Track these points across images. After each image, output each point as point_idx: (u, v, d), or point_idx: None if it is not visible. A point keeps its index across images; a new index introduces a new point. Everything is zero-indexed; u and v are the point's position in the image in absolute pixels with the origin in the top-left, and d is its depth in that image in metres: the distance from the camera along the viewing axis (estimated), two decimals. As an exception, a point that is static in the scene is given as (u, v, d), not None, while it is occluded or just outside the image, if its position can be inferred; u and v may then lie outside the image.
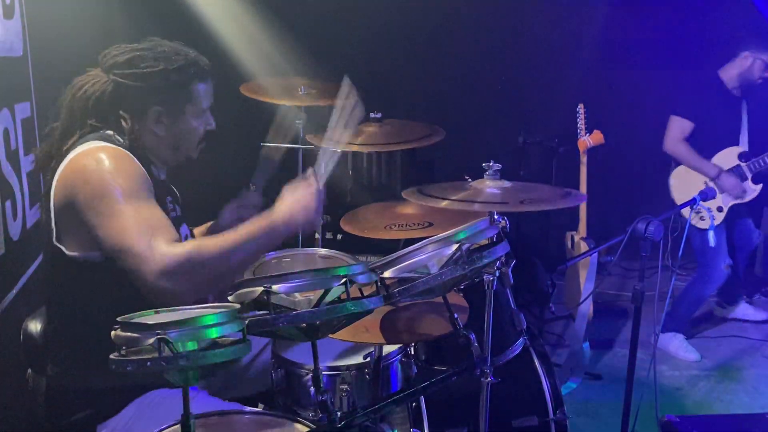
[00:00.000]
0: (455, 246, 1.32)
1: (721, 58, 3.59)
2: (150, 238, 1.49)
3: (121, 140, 1.67)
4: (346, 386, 1.84)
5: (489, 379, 1.70)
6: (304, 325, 1.25)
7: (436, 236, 1.37)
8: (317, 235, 2.91)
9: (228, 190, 2.23)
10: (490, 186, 1.78)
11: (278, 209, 1.62)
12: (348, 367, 1.89)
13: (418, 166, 3.59)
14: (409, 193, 1.87)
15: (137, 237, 1.49)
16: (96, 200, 1.53)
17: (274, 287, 1.19)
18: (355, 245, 2.72)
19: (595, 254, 3.26)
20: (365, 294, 1.34)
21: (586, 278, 3.24)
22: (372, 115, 2.71)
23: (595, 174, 3.39)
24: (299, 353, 1.96)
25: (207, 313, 1.13)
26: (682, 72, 4.61)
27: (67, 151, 1.64)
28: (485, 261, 1.36)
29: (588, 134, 3.34)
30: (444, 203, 1.68)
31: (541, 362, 2.32)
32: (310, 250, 2.72)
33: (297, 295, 1.25)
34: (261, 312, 1.19)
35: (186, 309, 1.22)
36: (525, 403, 2.26)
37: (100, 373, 1.24)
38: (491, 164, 1.83)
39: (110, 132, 1.68)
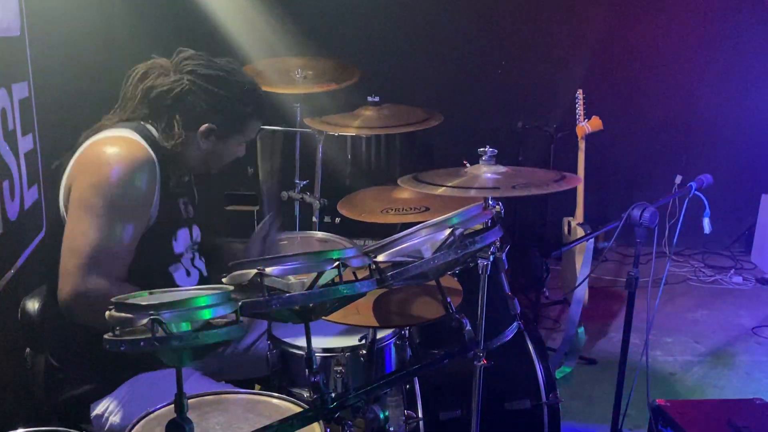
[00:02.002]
0: (448, 231, 1.33)
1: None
2: (92, 263, 1.52)
3: (157, 136, 1.69)
4: (340, 368, 1.85)
5: (482, 362, 1.72)
6: (297, 307, 1.26)
7: (430, 221, 1.38)
8: (314, 219, 2.92)
9: (223, 179, 2.25)
10: (485, 171, 1.78)
11: None
12: (342, 349, 1.91)
13: (417, 151, 3.59)
14: (405, 180, 1.88)
15: (83, 254, 1.53)
16: (84, 197, 1.56)
17: (268, 269, 1.20)
18: (352, 229, 2.74)
19: (591, 240, 3.27)
20: (358, 277, 1.35)
21: (581, 264, 3.25)
22: (370, 98, 2.71)
23: (593, 160, 3.40)
24: (295, 334, 1.98)
25: (200, 294, 1.14)
26: (682, 59, 4.64)
27: (99, 129, 1.66)
28: (478, 246, 1.37)
29: (587, 120, 3.33)
30: (440, 190, 1.68)
31: (534, 346, 2.34)
32: (307, 233, 2.76)
33: (290, 277, 1.26)
34: (255, 294, 1.20)
35: (180, 290, 1.23)
36: (518, 386, 2.28)
37: (96, 351, 1.26)
38: (487, 149, 1.83)
39: (151, 127, 1.70)
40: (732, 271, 4.55)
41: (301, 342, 1.95)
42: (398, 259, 1.36)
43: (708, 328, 3.78)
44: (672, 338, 3.67)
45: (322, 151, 2.84)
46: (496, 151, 1.83)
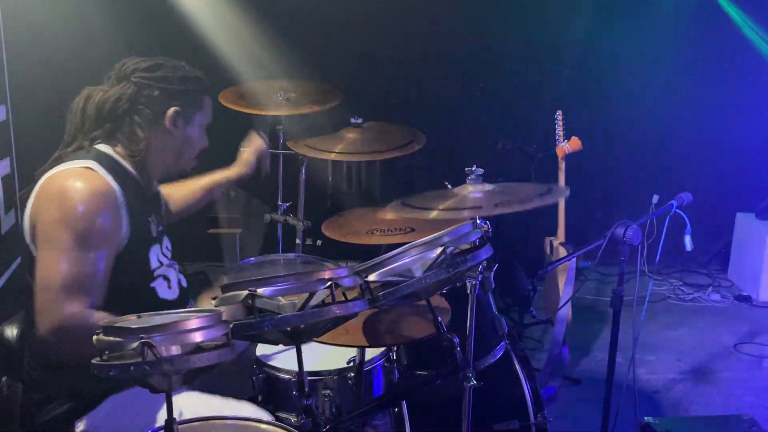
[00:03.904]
0: (439, 249, 1.33)
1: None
2: (66, 296, 1.51)
3: (120, 154, 1.72)
4: (328, 391, 1.83)
5: (472, 383, 1.71)
6: (289, 329, 1.25)
7: (420, 240, 1.38)
8: (298, 241, 2.90)
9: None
10: (472, 191, 1.79)
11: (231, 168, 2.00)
12: (330, 372, 1.88)
13: (398, 172, 3.60)
14: (394, 206, 1.88)
15: (57, 289, 1.52)
16: (50, 234, 1.56)
17: (259, 290, 1.19)
18: (335, 251, 2.72)
19: (574, 259, 3.29)
20: (349, 297, 1.34)
21: (564, 283, 3.27)
22: (353, 120, 2.71)
23: (572, 180, 3.43)
24: (280, 357, 1.95)
25: (191, 317, 1.12)
26: (659, 79, 4.74)
27: (57, 161, 1.66)
28: (469, 264, 1.38)
29: (566, 140, 3.37)
30: (433, 214, 1.68)
31: (521, 366, 2.33)
32: (290, 255, 2.73)
33: (281, 298, 1.25)
34: (246, 316, 1.18)
35: (169, 313, 1.21)
36: (506, 407, 2.26)
37: (77, 372, 1.23)
38: (474, 169, 1.83)
39: (109, 149, 1.71)
40: (710, 289, 4.61)
41: (287, 365, 1.92)
42: (389, 278, 1.36)
43: (689, 345, 3.81)
44: (654, 356, 3.69)
45: (304, 173, 2.83)
46: (482, 170, 1.84)
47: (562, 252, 3.35)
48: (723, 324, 4.12)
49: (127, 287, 1.66)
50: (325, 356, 1.99)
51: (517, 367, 2.32)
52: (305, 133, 2.68)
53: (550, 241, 3.46)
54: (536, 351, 3.71)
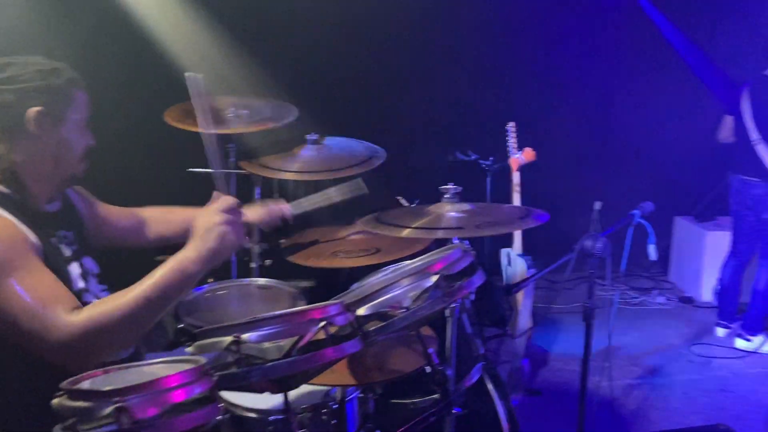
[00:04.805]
0: (434, 278, 1.24)
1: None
2: (44, 313, 1.34)
3: None
4: (304, 430, 1.70)
5: (456, 410, 1.63)
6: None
7: (410, 268, 1.29)
8: (253, 264, 2.75)
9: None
10: (449, 210, 1.71)
11: (188, 250, 1.43)
12: (304, 409, 1.75)
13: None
14: (367, 221, 1.77)
15: (29, 316, 1.34)
16: None
17: (244, 336, 1.06)
18: (289, 271, 2.59)
19: (532, 271, 3.28)
20: (334, 335, 1.23)
21: (524, 295, 3.25)
22: (308, 137, 2.60)
23: (527, 190, 3.43)
24: (250, 396, 1.81)
25: (170, 372, 0.98)
26: (598, 90, 4.86)
27: None
28: (464, 293, 1.29)
29: (520, 152, 3.37)
30: (405, 232, 1.59)
31: (495, 386, 2.27)
32: (245, 280, 2.58)
33: (266, 342, 1.12)
34: (231, 367, 1.05)
35: (141, 366, 1.06)
36: (482, 428, 2.20)
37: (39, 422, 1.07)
38: (450, 187, 1.76)
39: None
40: (655, 292, 4.72)
41: (257, 403, 1.78)
42: (379, 310, 1.26)
43: (642, 349, 3.87)
44: (609, 363, 3.72)
45: (259, 194, 2.69)
46: (460, 188, 1.76)
47: (521, 263, 3.34)
48: (670, 326, 4.22)
49: None
50: (298, 390, 1.86)
51: (491, 386, 2.27)
52: (258, 151, 2.55)
53: (508, 254, 3.44)
54: (495, 363, 3.68)
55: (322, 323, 1.10)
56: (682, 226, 4.89)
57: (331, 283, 2.87)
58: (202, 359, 1.05)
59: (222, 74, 3.47)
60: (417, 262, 1.31)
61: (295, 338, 1.11)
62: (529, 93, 4.62)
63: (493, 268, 3.71)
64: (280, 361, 1.08)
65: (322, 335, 1.14)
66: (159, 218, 2.05)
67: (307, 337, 1.10)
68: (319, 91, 4.09)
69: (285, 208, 2.26)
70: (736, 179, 3.79)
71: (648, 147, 4.94)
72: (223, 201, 1.47)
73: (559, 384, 3.50)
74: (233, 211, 1.46)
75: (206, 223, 1.43)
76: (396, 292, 1.25)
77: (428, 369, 1.51)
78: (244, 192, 2.78)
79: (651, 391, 3.42)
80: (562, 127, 4.75)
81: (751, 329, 3.79)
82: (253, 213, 2.20)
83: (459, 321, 2.01)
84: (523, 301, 3.30)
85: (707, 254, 4.50)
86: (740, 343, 3.81)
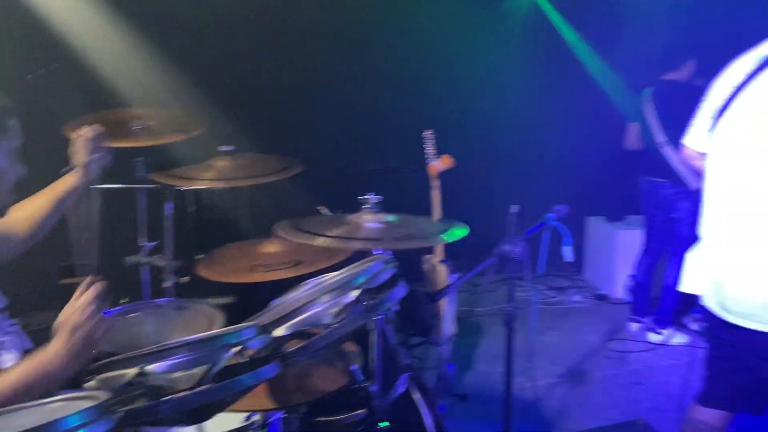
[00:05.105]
0: (355, 293, 1.20)
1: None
2: None
3: None
4: (224, 458, 1.61)
5: (383, 424, 1.59)
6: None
7: (330, 283, 1.24)
8: (167, 283, 2.62)
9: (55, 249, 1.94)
10: (369, 220, 1.67)
11: (50, 351, 1.30)
12: (224, 436, 1.67)
13: (269, 199, 3.41)
14: (284, 229, 1.70)
15: None
16: None
17: (149, 368, 0.98)
18: (208, 287, 2.49)
19: (454, 276, 3.30)
20: (252, 358, 1.16)
21: (447, 301, 3.26)
22: (222, 148, 2.51)
23: (447, 197, 3.46)
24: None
25: (67, 412, 0.89)
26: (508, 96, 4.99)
27: None
28: (387, 306, 1.25)
29: (438, 159, 3.39)
30: (319, 241, 1.53)
31: (421, 394, 2.25)
32: (159, 301, 2.45)
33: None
34: (139, 400, 0.96)
35: (35, 406, 0.96)
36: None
37: None
38: (369, 196, 1.72)
39: None
40: (572, 291, 4.87)
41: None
42: (299, 330, 1.20)
43: (561, 348, 3.98)
44: (531, 363, 3.79)
45: (171, 208, 2.57)
46: (381, 197, 1.73)
47: (443, 270, 3.35)
48: (587, 323, 4.36)
49: None
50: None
51: (418, 395, 2.24)
52: (169, 164, 2.43)
53: (429, 260, 3.45)
54: (421, 370, 3.68)
55: (237, 348, 1.03)
56: (594, 226, 5.08)
57: (252, 299, 2.79)
58: (104, 395, 0.96)
59: (129, 84, 3.30)
60: (337, 276, 1.27)
61: (208, 366, 1.03)
62: (445, 100, 4.68)
63: (417, 275, 3.71)
64: (192, 391, 1.01)
65: (237, 360, 1.07)
66: (23, 213, 1.88)
67: (221, 364, 1.04)
68: (232, 100, 3.98)
69: None
70: (646, 181, 3.96)
71: (560, 150, 5.11)
72: (87, 295, 1.34)
73: (485, 387, 3.53)
74: (97, 303, 1.33)
75: (71, 322, 1.31)
76: (316, 310, 1.20)
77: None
78: (156, 208, 2.65)
79: (572, 388, 3.51)
80: (477, 133, 4.84)
81: (661, 323, 3.97)
82: None
83: (383, 333, 1.98)
84: (446, 306, 3.31)
85: (619, 252, 4.69)
86: (652, 337, 3.98)
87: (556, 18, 4.93)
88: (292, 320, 1.17)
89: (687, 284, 2.01)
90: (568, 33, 4.93)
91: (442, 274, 3.37)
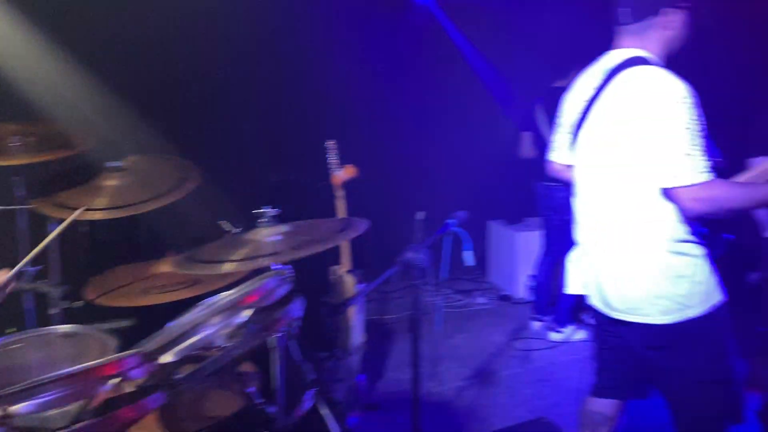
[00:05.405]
0: (247, 313, 1.15)
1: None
2: None
3: None
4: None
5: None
6: (65, 447, 0.96)
7: (220, 304, 1.18)
8: (54, 310, 2.44)
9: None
10: (268, 235, 1.63)
11: None
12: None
13: (169, 216, 3.27)
14: (177, 263, 1.62)
15: None
16: None
17: (13, 408, 0.89)
18: (106, 311, 2.34)
19: (362, 286, 3.29)
20: (139, 388, 1.09)
21: (355, 311, 3.24)
22: (109, 164, 2.37)
23: (353, 206, 3.45)
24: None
25: None
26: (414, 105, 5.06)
27: None
28: (282, 324, 1.21)
29: (341, 169, 3.37)
30: (227, 267, 1.47)
31: (329, 409, 2.22)
32: (45, 329, 2.28)
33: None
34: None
35: None
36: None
37: None
38: (265, 210, 1.67)
39: None
40: (477, 293, 4.99)
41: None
42: (188, 354, 1.14)
43: (468, 351, 4.05)
44: (440, 367, 3.85)
45: (55, 228, 2.39)
46: (279, 210, 1.68)
47: (350, 280, 3.33)
48: (492, 324, 4.47)
49: None
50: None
51: (325, 411, 2.21)
52: (52, 184, 2.26)
53: (336, 271, 3.42)
54: (332, 383, 3.63)
55: (117, 379, 0.96)
56: (496, 230, 5.23)
57: (152, 321, 2.65)
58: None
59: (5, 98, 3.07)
60: (228, 296, 1.21)
61: (85, 401, 0.96)
62: (347, 110, 4.68)
63: (323, 288, 3.67)
64: (68, 429, 0.93)
65: (121, 391, 1.00)
66: None
67: (99, 398, 0.96)
68: (124, 112, 3.79)
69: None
70: (541, 185, 4.12)
71: (461, 158, 5.25)
72: None
73: (396, 395, 3.54)
74: None
75: None
76: (206, 332, 1.14)
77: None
78: (38, 230, 2.46)
79: (480, 390, 3.58)
80: (381, 142, 4.88)
81: (561, 321, 4.13)
82: None
83: (286, 350, 1.93)
84: (355, 316, 3.29)
85: (519, 254, 4.85)
86: (553, 336, 4.13)
87: (451, 28, 5.07)
88: (180, 345, 1.11)
89: (572, 286, 2.10)
90: (464, 44, 5.08)
91: (350, 285, 3.35)
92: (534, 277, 4.33)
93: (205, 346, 1.15)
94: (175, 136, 4.09)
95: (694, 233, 1.81)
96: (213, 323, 1.15)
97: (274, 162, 4.07)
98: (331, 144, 3.42)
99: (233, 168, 4.26)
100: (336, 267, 3.47)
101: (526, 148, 4.17)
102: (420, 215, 4.76)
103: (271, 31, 4.39)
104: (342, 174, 3.36)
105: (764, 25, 3.94)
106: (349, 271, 3.37)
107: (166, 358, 1.10)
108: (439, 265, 2.82)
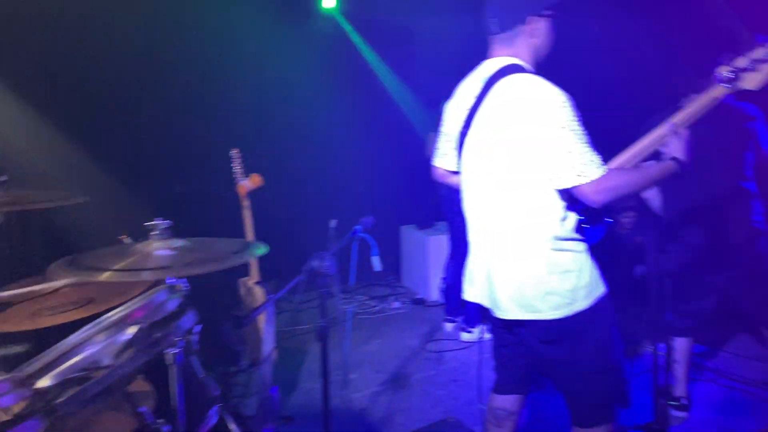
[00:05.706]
0: (133, 329, 1.10)
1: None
2: None
3: None
4: None
5: (189, 466, 1.49)
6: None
7: (104, 322, 1.12)
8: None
9: None
10: (158, 248, 1.56)
11: None
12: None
13: (65, 231, 3.10)
14: (59, 268, 1.52)
15: None
16: None
17: None
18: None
19: (270, 296, 3.24)
20: (15, 416, 1.02)
21: (265, 322, 3.19)
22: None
23: (264, 215, 3.40)
24: None
25: None
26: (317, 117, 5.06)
27: None
28: (171, 339, 1.17)
29: (246, 178, 3.31)
30: (105, 275, 1.40)
31: (237, 424, 2.17)
32: None
33: None
34: None
35: None
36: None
37: None
38: (158, 222, 1.61)
39: None
40: (392, 298, 5.03)
41: None
42: (70, 377, 1.08)
43: (384, 356, 4.07)
44: (356, 374, 3.84)
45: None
46: (170, 222, 1.62)
47: (259, 292, 3.27)
48: (407, 328, 4.52)
49: None
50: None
51: (235, 427, 2.16)
52: None
53: (245, 282, 3.35)
54: (245, 398, 3.55)
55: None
56: (407, 234, 5.30)
57: (47, 345, 2.50)
58: None
59: None
60: (114, 313, 1.15)
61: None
62: (252, 118, 4.62)
63: (231, 300, 3.59)
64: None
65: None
66: None
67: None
68: (22, 123, 3.57)
69: None
70: (444, 188, 4.20)
71: (371, 164, 5.29)
72: None
73: (311, 405, 3.50)
74: None
75: None
76: (89, 352, 1.08)
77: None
78: None
79: (395, 394, 3.60)
80: (288, 150, 4.84)
81: (471, 322, 4.23)
82: None
83: (187, 365, 1.86)
84: (265, 327, 3.23)
85: (430, 257, 4.94)
86: (464, 336, 4.22)
87: (356, 38, 5.11)
88: (59, 368, 1.05)
89: (466, 292, 2.14)
90: (368, 53, 5.13)
91: (258, 297, 3.29)
92: (444, 279, 4.41)
93: (89, 366, 1.09)
94: (78, 146, 3.90)
95: (576, 229, 1.90)
96: (97, 341, 1.09)
97: (177, 172, 3.95)
98: (235, 153, 3.35)
99: (135, 179, 4.10)
100: (245, 279, 3.40)
101: (432, 148, 4.26)
102: (333, 223, 4.77)
103: (174, 39, 4.26)
104: (247, 183, 3.31)
105: (661, 30, 4.19)
106: (257, 283, 3.32)
107: (44, 382, 1.03)
108: (347, 272, 2.83)
